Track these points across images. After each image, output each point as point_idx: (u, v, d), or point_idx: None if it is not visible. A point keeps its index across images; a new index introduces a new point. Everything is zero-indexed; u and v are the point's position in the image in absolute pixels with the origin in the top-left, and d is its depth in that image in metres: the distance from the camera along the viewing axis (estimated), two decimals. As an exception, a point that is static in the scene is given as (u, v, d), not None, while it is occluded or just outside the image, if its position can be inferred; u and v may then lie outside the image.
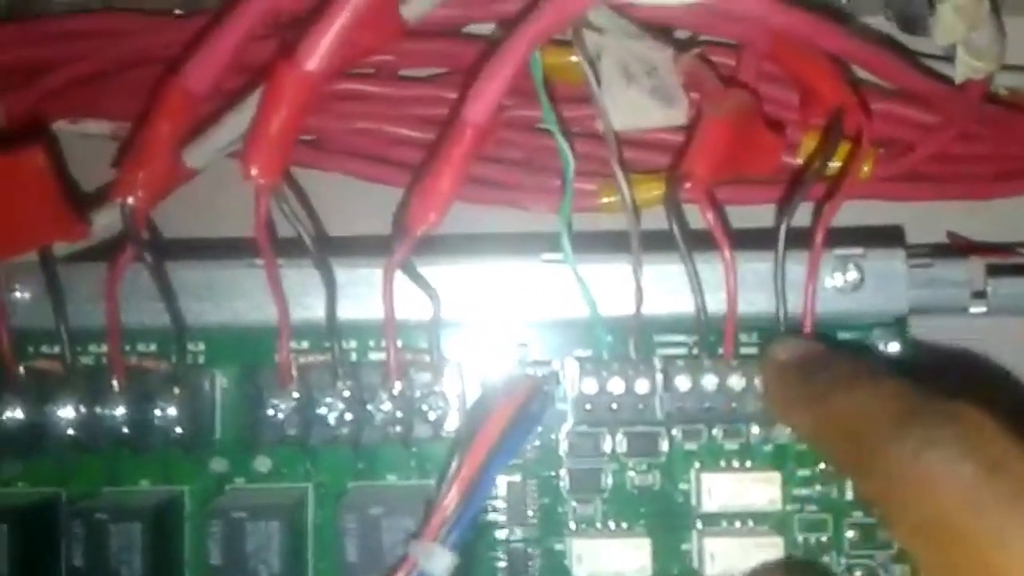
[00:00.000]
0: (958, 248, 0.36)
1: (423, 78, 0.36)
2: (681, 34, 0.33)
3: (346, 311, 0.28)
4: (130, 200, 0.26)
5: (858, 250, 0.29)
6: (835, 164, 0.30)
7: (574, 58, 0.31)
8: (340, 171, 0.36)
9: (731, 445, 0.29)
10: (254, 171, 0.25)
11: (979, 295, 0.30)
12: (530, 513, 0.29)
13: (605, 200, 0.35)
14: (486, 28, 0.35)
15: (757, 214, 0.33)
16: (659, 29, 0.32)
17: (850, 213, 0.35)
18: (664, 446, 0.29)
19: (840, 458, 0.25)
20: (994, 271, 0.30)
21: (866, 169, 0.34)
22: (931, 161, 0.35)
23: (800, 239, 0.28)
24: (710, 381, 0.28)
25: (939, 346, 0.34)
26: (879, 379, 0.24)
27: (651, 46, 0.31)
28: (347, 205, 0.37)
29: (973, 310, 0.30)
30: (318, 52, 0.25)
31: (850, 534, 0.29)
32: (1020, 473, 0.20)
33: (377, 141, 0.36)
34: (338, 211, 0.37)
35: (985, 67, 0.31)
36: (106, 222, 0.28)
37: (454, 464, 0.25)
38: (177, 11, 0.37)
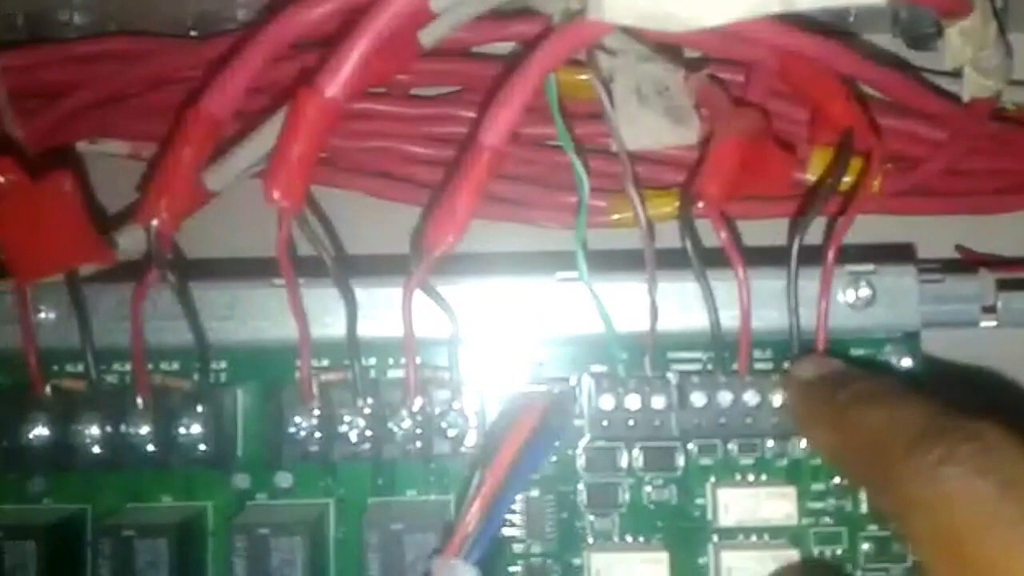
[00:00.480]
0: (970, 262, 0.37)
1: (434, 97, 0.37)
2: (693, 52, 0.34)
3: (366, 329, 0.29)
4: (154, 223, 0.27)
5: (869, 267, 0.29)
6: (846, 181, 0.30)
7: (586, 76, 0.31)
8: (354, 189, 0.37)
9: (746, 460, 0.29)
10: (276, 195, 0.26)
11: (990, 310, 0.31)
12: (548, 527, 0.29)
13: (616, 216, 0.35)
14: (494, 47, 0.36)
15: (769, 228, 0.33)
16: (671, 49, 0.32)
17: (860, 229, 0.35)
18: (680, 461, 0.29)
19: (860, 472, 0.25)
20: (1004, 285, 0.31)
21: (876, 184, 0.35)
22: (939, 176, 0.36)
23: (812, 256, 0.29)
24: (725, 397, 0.28)
25: (952, 360, 0.34)
26: (901, 396, 0.24)
27: (663, 67, 0.32)
28: (366, 223, 0.37)
29: (984, 324, 0.31)
30: (338, 79, 0.25)
31: (865, 547, 0.29)
32: None
33: (390, 159, 0.37)
34: (357, 229, 0.37)
35: (993, 85, 0.32)
36: (130, 244, 0.28)
37: (476, 481, 0.25)
38: (192, 32, 0.38)
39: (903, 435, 0.22)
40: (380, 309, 0.29)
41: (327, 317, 0.29)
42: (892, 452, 0.22)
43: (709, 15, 0.24)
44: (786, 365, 0.29)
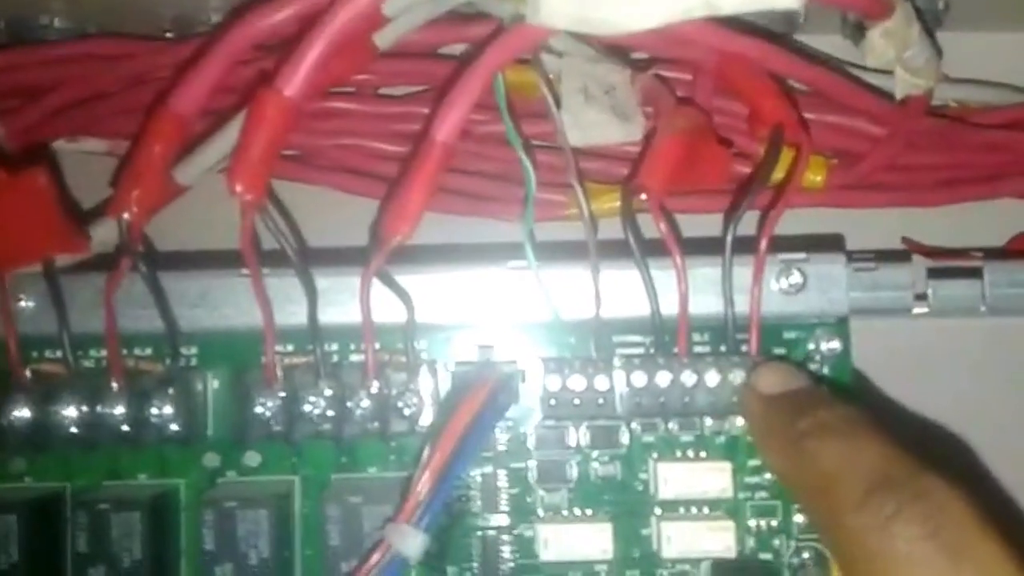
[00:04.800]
0: (913, 251, 0.38)
1: (401, 96, 0.38)
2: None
3: (328, 316, 0.30)
4: (125, 216, 0.28)
5: (801, 255, 0.31)
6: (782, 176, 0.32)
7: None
8: (325, 184, 0.38)
9: (686, 437, 0.31)
10: (239, 188, 0.27)
11: (921, 297, 0.32)
12: (502, 502, 0.31)
13: (573, 210, 0.36)
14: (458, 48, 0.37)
15: (712, 220, 0.35)
16: (619, 50, 0.34)
17: (809, 223, 0.37)
18: (624, 439, 0.31)
19: (810, 510, 0.26)
20: (935, 274, 0.32)
21: (819, 179, 0.36)
22: (881, 170, 0.37)
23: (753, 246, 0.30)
24: (664, 377, 0.30)
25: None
26: (859, 435, 0.25)
27: (610, 68, 0.33)
28: (331, 216, 0.39)
29: (916, 311, 0.32)
30: (296, 79, 0.27)
31: (798, 519, 0.31)
32: (981, 561, 0.21)
33: (359, 155, 0.38)
34: (323, 222, 0.39)
35: (924, 83, 0.34)
36: (104, 236, 0.30)
37: (426, 453, 0.27)
38: (168, 34, 0.39)
39: (856, 484, 0.23)
40: (342, 296, 0.31)
41: (291, 305, 0.30)
42: (844, 499, 0.23)
43: (638, 19, 0.26)
44: (727, 354, 0.30)
